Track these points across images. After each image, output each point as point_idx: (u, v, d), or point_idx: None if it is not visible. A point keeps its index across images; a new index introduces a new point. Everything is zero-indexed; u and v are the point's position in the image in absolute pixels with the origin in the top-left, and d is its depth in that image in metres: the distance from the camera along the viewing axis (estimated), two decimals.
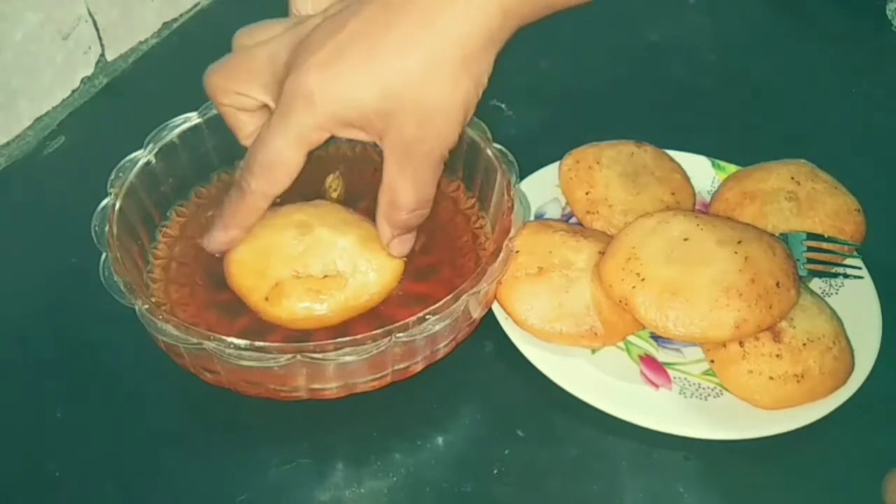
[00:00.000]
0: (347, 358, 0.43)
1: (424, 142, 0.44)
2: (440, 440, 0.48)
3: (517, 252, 0.51)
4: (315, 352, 0.42)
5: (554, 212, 0.58)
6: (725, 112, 0.70)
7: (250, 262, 0.49)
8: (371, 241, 0.49)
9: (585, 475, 0.47)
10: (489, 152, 0.52)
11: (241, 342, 0.42)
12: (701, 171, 0.60)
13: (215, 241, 0.49)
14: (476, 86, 0.44)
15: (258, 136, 0.46)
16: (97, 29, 0.67)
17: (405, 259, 0.50)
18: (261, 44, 0.46)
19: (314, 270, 0.48)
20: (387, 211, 0.47)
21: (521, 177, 0.53)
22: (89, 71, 0.68)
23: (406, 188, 0.45)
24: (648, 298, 0.47)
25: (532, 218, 0.57)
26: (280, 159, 0.45)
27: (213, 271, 0.51)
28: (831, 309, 0.50)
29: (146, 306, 0.43)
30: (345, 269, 0.48)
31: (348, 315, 0.48)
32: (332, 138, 0.45)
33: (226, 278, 0.49)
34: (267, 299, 0.48)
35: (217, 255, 0.50)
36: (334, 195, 0.54)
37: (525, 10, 0.43)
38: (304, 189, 0.49)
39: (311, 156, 0.45)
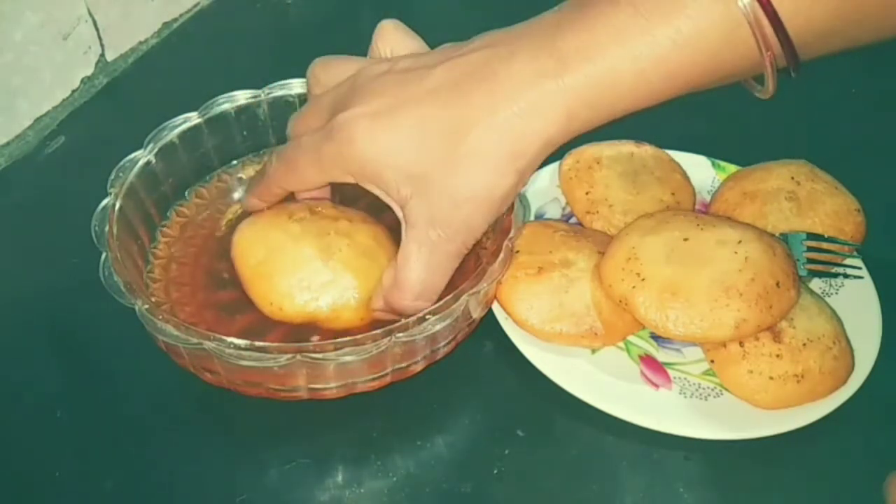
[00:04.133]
0: (347, 358, 0.42)
1: (450, 226, 0.43)
2: (440, 440, 0.48)
3: (517, 252, 0.51)
4: (315, 352, 0.42)
5: (554, 212, 0.58)
6: (725, 112, 0.69)
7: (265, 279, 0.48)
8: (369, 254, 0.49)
9: (585, 475, 0.47)
10: None
11: (241, 342, 0.42)
12: (701, 171, 0.60)
13: (246, 202, 0.50)
14: (519, 182, 0.43)
15: (303, 137, 0.45)
16: (97, 29, 0.67)
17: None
18: (332, 90, 0.46)
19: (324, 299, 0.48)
20: (389, 289, 0.45)
21: None
22: (89, 71, 0.68)
23: (417, 270, 0.44)
24: (648, 298, 0.47)
25: (532, 218, 0.57)
26: (302, 173, 0.45)
27: (213, 271, 0.51)
28: (831, 309, 0.50)
29: (146, 306, 0.43)
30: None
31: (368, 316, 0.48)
32: None
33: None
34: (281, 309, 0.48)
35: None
36: None
37: (592, 116, 0.41)
38: None
39: None
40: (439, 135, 0.41)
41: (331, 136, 0.43)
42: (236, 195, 0.55)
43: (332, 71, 0.47)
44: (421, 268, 0.44)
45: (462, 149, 0.41)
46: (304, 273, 0.47)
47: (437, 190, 0.42)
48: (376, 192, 0.44)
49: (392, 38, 0.47)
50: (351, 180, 0.44)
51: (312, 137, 0.44)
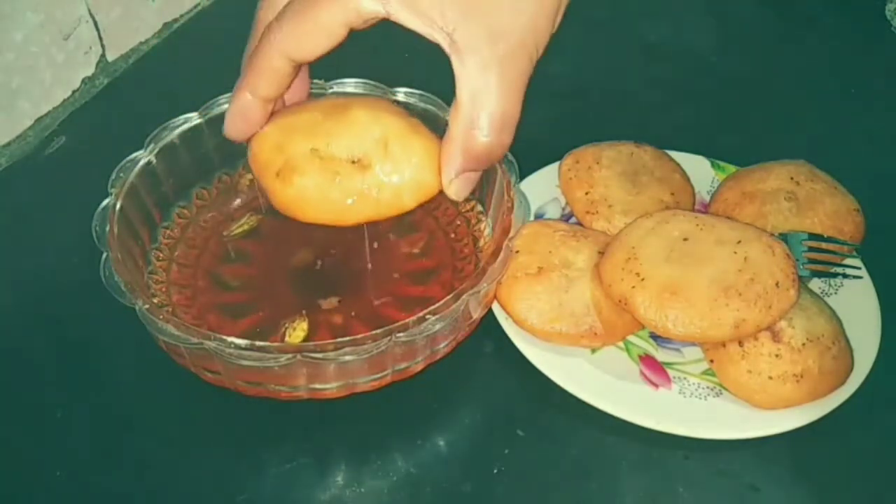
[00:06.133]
0: (347, 358, 0.43)
1: (513, 34, 0.36)
2: (440, 440, 0.48)
3: (517, 252, 0.51)
4: (315, 351, 0.42)
5: (554, 212, 0.58)
6: (725, 112, 0.70)
7: (272, 137, 0.43)
8: (415, 136, 0.42)
9: (585, 475, 0.47)
10: None
11: (242, 342, 0.42)
12: (701, 171, 0.60)
13: (229, 115, 0.43)
14: None
15: None
16: (98, 29, 0.67)
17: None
18: None
19: (338, 152, 0.42)
20: (464, 135, 0.38)
21: (521, 177, 0.53)
22: (90, 71, 0.68)
23: (492, 99, 0.37)
24: (648, 298, 0.47)
25: (532, 218, 0.57)
26: (322, 24, 0.38)
27: (215, 273, 0.52)
28: (831, 309, 0.50)
29: (147, 306, 0.44)
30: (374, 156, 0.42)
31: (368, 213, 0.42)
32: None
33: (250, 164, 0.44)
34: (278, 175, 0.42)
35: (236, 140, 0.44)
36: None
37: None
38: None
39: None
40: None
41: None
42: (239, 200, 0.55)
43: None
44: (496, 94, 0.37)
45: None
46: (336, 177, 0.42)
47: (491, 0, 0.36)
48: (414, 24, 0.37)
49: None
50: (382, 13, 0.37)
51: None
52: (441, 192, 0.42)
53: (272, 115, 0.43)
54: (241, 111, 0.42)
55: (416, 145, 0.42)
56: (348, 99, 0.44)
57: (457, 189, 0.41)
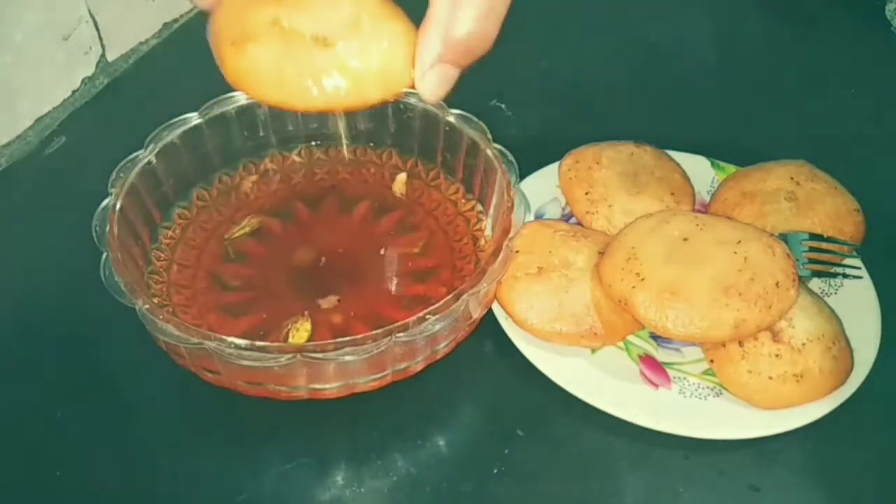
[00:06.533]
0: (347, 358, 0.43)
1: None
2: (440, 440, 0.48)
3: (517, 252, 0.51)
4: (315, 351, 0.42)
5: (554, 212, 0.58)
6: (725, 112, 0.70)
7: (236, 4, 0.40)
8: (392, 19, 0.38)
9: (585, 475, 0.47)
10: (489, 153, 0.52)
11: (242, 342, 0.42)
12: (701, 171, 0.60)
13: None
14: None
15: None
16: (98, 29, 0.67)
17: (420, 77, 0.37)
18: None
19: (303, 26, 0.38)
20: (447, 16, 0.34)
21: (521, 177, 0.53)
22: (90, 71, 0.68)
23: None
24: (648, 298, 0.47)
25: (532, 218, 0.57)
26: None
27: (215, 274, 0.52)
28: (830, 309, 0.50)
29: (147, 306, 0.44)
30: (341, 34, 0.38)
31: (325, 99, 0.38)
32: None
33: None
34: (233, 43, 0.39)
35: (201, 5, 0.42)
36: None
37: None
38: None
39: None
40: None
41: None
42: (240, 202, 0.55)
43: None
44: None
45: None
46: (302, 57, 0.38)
47: None
48: None
49: None
50: None
51: None
52: (412, 90, 0.38)
53: None
54: None
55: (391, 28, 0.37)
56: None
57: (431, 85, 0.36)
